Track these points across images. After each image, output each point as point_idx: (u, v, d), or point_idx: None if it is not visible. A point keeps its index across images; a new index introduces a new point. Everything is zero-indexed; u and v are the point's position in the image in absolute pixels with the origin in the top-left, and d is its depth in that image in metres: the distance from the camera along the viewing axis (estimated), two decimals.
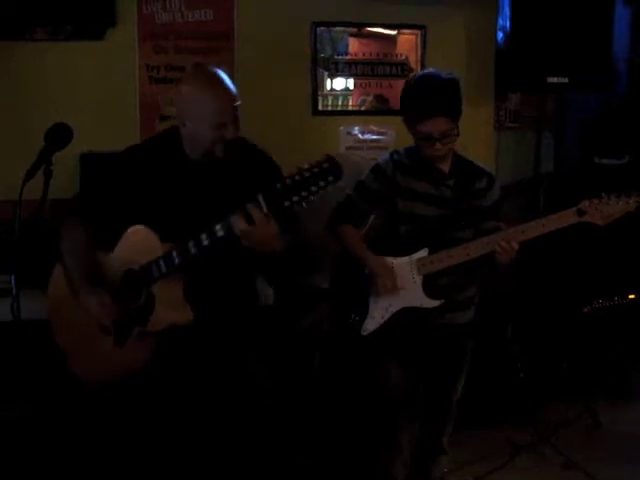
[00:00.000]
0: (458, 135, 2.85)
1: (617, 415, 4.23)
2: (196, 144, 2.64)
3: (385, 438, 3.06)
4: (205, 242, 2.48)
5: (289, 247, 2.56)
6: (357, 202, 2.98)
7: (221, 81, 2.64)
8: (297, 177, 2.25)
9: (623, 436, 4.05)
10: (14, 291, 2.48)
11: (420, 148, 2.89)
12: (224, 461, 2.72)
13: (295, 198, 2.26)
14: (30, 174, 2.41)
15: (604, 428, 4.10)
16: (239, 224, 2.40)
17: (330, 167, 2.26)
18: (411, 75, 3.08)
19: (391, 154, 2.99)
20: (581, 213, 2.71)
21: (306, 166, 2.27)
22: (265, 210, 2.33)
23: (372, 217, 3.03)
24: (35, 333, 2.75)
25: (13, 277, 2.48)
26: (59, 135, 2.46)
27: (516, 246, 2.74)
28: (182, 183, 2.69)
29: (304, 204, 2.28)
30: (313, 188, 2.25)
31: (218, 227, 2.44)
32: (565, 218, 2.73)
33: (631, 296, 4.47)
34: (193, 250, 2.50)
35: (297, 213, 2.38)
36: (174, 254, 2.53)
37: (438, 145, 2.80)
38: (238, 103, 2.64)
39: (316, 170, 2.25)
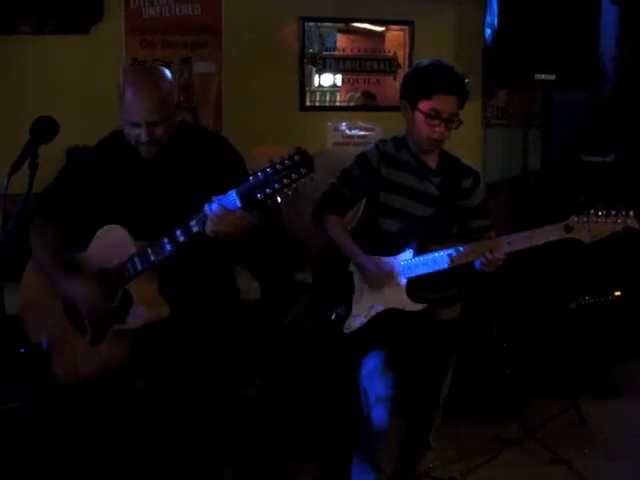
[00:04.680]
0: (459, 125, 2.80)
1: (602, 411, 4.25)
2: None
3: (371, 434, 3.05)
4: (181, 238, 2.46)
5: (261, 227, 2.55)
6: (341, 190, 2.95)
7: (140, 79, 2.67)
8: (269, 169, 2.24)
9: (607, 432, 4.06)
10: None
11: (411, 135, 2.85)
12: (202, 455, 2.72)
13: (268, 190, 2.24)
14: (15, 167, 2.38)
15: (589, 424, 4.12)
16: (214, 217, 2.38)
17: (302, 159, 2.24)
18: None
19: (377, 144, 2.96)
20: (568, 229, 2.65)
21: (278, 159, 2.26)
22: (238, 204, 2.32)
23: (362, 207, 3.00)
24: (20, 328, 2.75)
25: None
26: (44, 128, 2.43)
27: (502, 256, 2.70)
28: (135, 177, 2.69)
29: (278, 197, 2.26)
30: (285, 180, 2.23)
31: (193, 223, 2.42)
32: (552, 233, 2.68)
33: (617, 293, 4.49)
34: (168, 247, 2.48)
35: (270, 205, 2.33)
36: (149, 251, 2.52)
37: (442, 127, 2.76)
38: (162, 102, 2.62)
39: (287, 162, 2.24)
